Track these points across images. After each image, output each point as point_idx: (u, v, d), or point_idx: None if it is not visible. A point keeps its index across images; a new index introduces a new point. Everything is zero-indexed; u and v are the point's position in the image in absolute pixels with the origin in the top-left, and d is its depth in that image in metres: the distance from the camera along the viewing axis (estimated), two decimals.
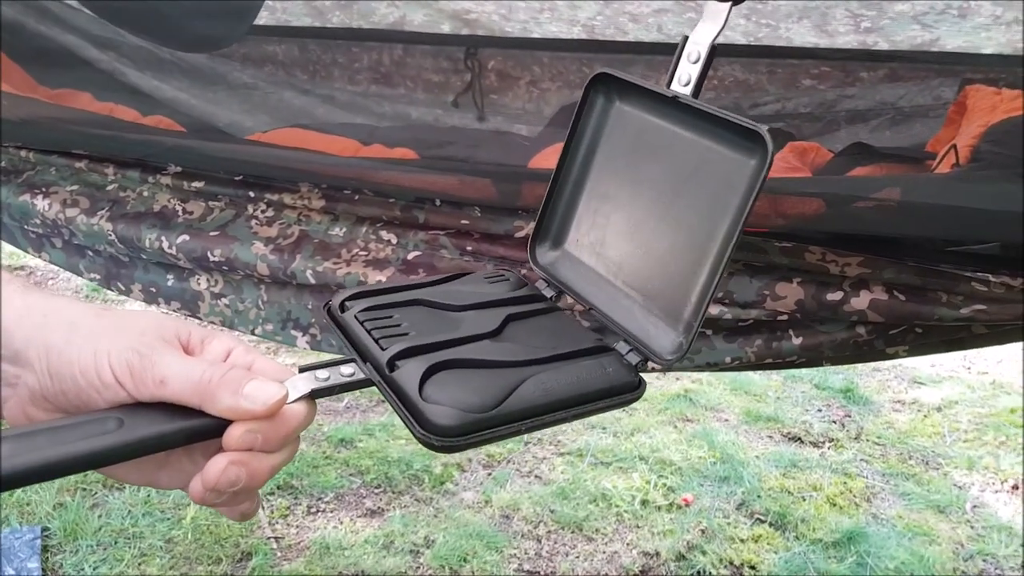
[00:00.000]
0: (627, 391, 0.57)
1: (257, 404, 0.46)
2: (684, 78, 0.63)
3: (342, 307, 0.61)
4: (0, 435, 0.42)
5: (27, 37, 1.52)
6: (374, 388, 0.54)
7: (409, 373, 0.52)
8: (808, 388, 3.27)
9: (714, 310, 0.98)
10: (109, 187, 1.22)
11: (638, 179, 0.66)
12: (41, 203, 1.20)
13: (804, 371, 3.34)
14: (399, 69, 1.87)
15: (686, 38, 0.63)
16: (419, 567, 2.21)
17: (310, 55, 1.91)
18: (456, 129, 1.78)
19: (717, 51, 0.62)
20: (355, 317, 0.59)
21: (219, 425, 0.46)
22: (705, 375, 3.24)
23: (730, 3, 0.62)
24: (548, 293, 0.68)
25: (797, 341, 0.99)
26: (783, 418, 3.03)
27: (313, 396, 0.50)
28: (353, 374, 0.53)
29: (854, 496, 2.60)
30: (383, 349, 0.55)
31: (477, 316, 0.61)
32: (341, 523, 2.36)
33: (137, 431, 0.44)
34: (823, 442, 2.91)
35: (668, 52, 0.63)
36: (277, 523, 2.35)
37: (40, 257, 1.29)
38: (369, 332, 0.57)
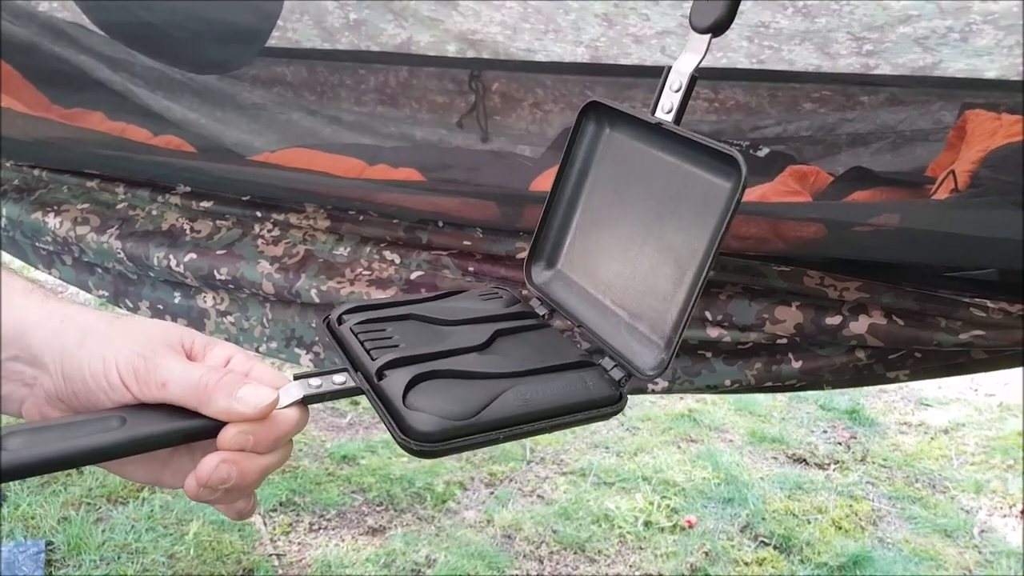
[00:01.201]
0: (607, 404, 0.59)
1: (249, 407, 0.49)
2: (667, 106, 0.65)
3: (339, 320, 0.64)
4: (13, 430, 0.45)
5: (42, 57, 1.55)
6: (368, 401, 0.56)
7: (395, 382, 0.55)
8: (813, 409, 3.26)
9: (713, 332, 0.98)
10: (119, 205, 1.24)
11: (626, 202, 0.69)
12: (52, 221, 1.22)
13: (809, 392, 3.33)
14: (404, 91, 1.89)
15: (669, 68, 0.66)
16: None
17: (318, 76, 1.94)
18: (460, 150, 1.80)
19: (698, 80, 0.65)
20: (350, 329, 0.62)
21: (215, 426, 0.49)
22: (709, 395, 3.24)
23: (710, 35, 0.64)
24: (541, 311, 0.70)
25: (797, 365, 0.99)
26: (788, 439, 3.02)
27: (305, 402, 0.52)
28: (344, 382, 0.55)
29: (860, 519, 2.58)
30: (373, 359, 0.57)
31: (466, 331, 0.64)
32: (343, 541, 2.36)
33: (138, 429, 0.48)
34: (828, 464, 2.90)
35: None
36: (279, 540, 2.35)
37: (50, 274, 1.31)
38: (362, 343, 0.60)
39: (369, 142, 1.79)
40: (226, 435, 0.49)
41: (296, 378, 0.53)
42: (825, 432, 3.11)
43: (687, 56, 0.66)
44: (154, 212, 1.22)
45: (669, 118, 0.65)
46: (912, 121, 1.47)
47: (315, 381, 0.54)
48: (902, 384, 3.38)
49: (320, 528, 2.42)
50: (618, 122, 0.70)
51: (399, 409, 0.53)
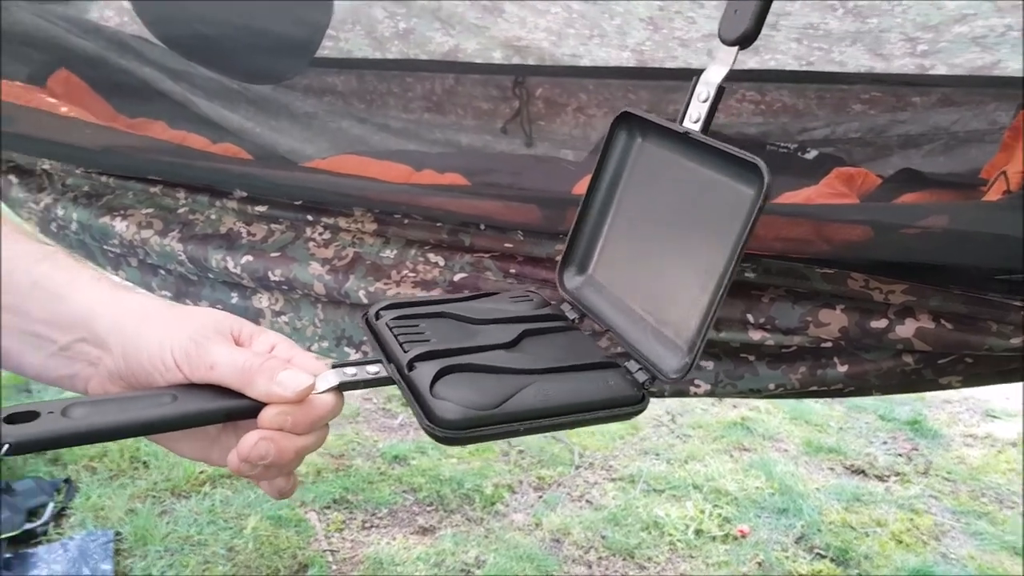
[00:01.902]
0: (628, 404, 0.61)
1: (288, 390, 0.52)
2: (695, 115, 0.67)
3: (377, 315, 0.67)
4: (78, 401, 0.51)
5: (108, 70, 1.63)
6: (399, 390, 0.60)
7: (424, 373, 0.58)
8: (873, 419, 3.17)
9: (756, 335, 0.98)
10: (180, 210, 1.29)
11: (655, 209, 0.70)
12: (119, 225, 1.28)
13: (869, 401, 3.24)
14: (450, 98, 1.93)
15: (697, 78, 0.67)
16: None
17: (367, 85, 1.99)
18: (504, 155, 1.82)
19: (724, 91, 0.66)
20: (386, 324, 0.65)
21: (257, 407, 0.53)
22: (763, 403, 3.18)
23: (737, 47, 0.65)
24: (571, 315, 0.72)
25: (842, 369, 0.98)
26: (846, 450, 2.94)
27: (341, 388, 0.56)
28: (378, 372, 0.59)
29: (921, 533, 2.50)
30: (405, 352, 0.61)
31: (495, 329, 0.66)
32: (394, 539, 2.40)
33: (187, 406, 0.52)
34: (888, 476, 2.81)
35: None
36: (333, 536, 2.40)
37: (117, 275, 1.38)
38: (395, 337, 0.63)
39: (416, 148, 1.83)
40: (266, 415, 0.53)
41: (334, 367, 0.57)
42: (885, 443, 3.02)
43: (715, 67, 0.68)
44: (213, 216, 1.27)
45: (697, 127, 0.67)
46: (966, 122, 1.43)
47: (351, 370, 0.57)
48: (967, 394, 3.27)
49: (372, 526, 2.46)
50: (649, 132, 0.72)
51: (426, 398, 0.56)
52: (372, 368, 0.59)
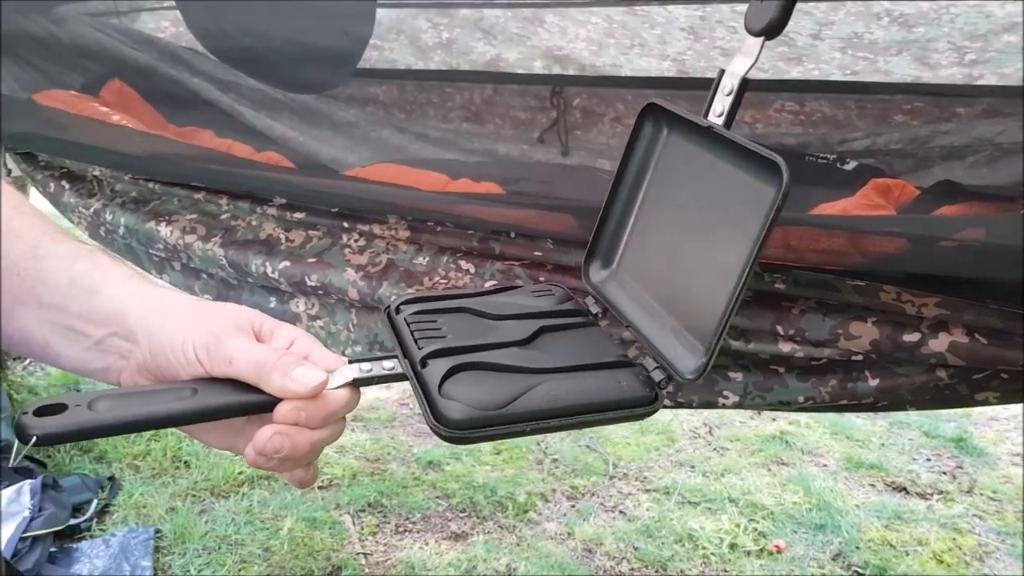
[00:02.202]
0: (639, 405, 0.60)
1: (301, 386, 0.54)
2: (718, 109, 0.66)
3: (398, 309, 0.68)
4: (102, 395, 0.53)
5: (159, 80, 1.69)
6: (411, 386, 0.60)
7: (435, 370, 0.59)
8: (916, 435, 3.09)
9: (786, 347, 0.97)
10: (223, 216, 1.33)
11: (679, 204, 0.70)
12: (164, 230, 1.32)
13: (913, 417, 3.16)
14: (488, 107, 1.95)
15: (723, 71, 0.66)
16: None
17: (407, 95, 2.02)
18: (539, 164, 1.84)
19: (749, 84, 0.65)
20: (404, 319, 0.66)
21: (273, 401, 0.54)
22: (803, 417, 3.12)
23: (763, 37, 0.64)
24: (595, 309, 0.72)
25: (874, 383, 0.97)
26: (887, 466, 2.88)
27: (356, 384, 0.57)
28: (393, 368, 0.60)
29: (964, 554, 2.44)
30: (419, 348, 0.61)
31: (513, 325, 0.66)
32: (427, 544, 2.41)
33: (207, 399, 0.54)
34: (931, 494, 2.74)
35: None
36: (367, 539, 2.42)
37: (162, 279, 1.42)
38: (412, 332, 0.64)
39: (454, 157, 1.85)
40: (281, 409, 0.54)
41: (350, 362, 0.58)
42: (928, 460, 2.95)
43: (740, 59, 0.66)
44: (254, 222, 1.31)
45: (720, 121, 0.66)
46: (1011, 133, 1.40)
47: (366, 366, 0.58)
48: (1015, 411, 3.17)
49: (406, 530, 2.48)
50: (675, 125, 0.72)
51: (435, 396, 0.57)
52: (387, 364, 0.60)
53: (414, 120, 2.06)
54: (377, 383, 0.59)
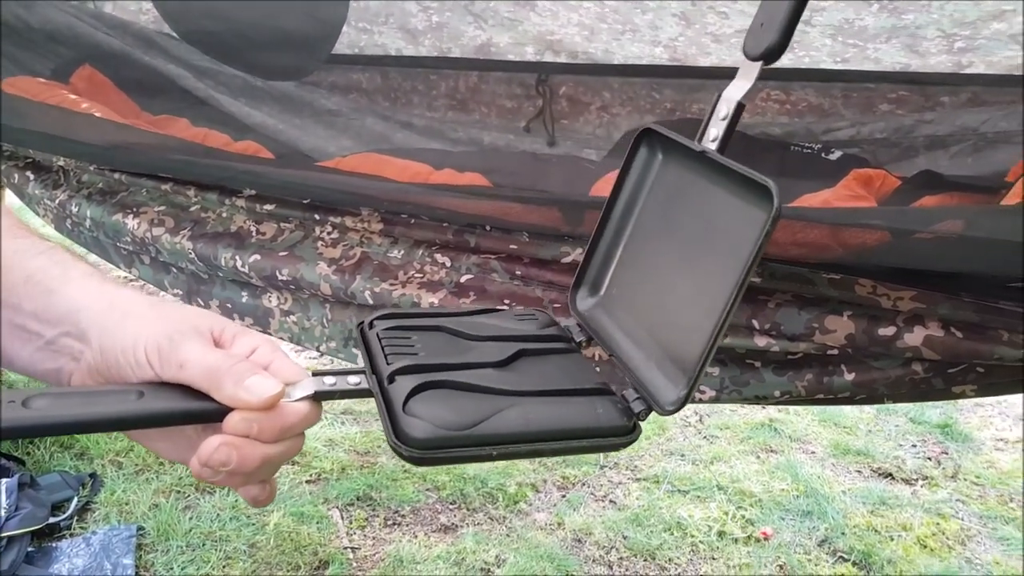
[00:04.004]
0: (617, 435, 0.57)
1: (254, 396, 0.51)
2: (712, 134, 0.65)
3: (371, 324, 0.65)
4: (40, 392, 0.49)
5: (133, 66, 1.65)
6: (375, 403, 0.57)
7: (401, 387, 0.56)
8: (903, 422, 3.10)
9: (761, 342, 0.96)
10: (192, 208, 1.31)
11: (670, 231, 0.68)
12: (131, 222, 1.30)
13: (899, 404, 3.17)
14: (474, 96, 1.92)
15: (719, 95, 0.65)
16: None
17: (391, 82, 1.99)
18: (524, 154, 1.81)
19: (743, 108, 0.64)
20: (377, 334, 0.63)
21: (224, 411, 0.51)
22: (791, 405, 3.13)
23: (761, 62, 0.63)
24: (579, 337, 0.69)
25: (849, 377, 0.95)
26: (874, 452, 2.88)
27: (317, 398, 0.54)
28: (358, 383, 0.57)
29: (947, 538, 2.44)
30: (388, 364, 0.59)
31: (490, 347, 0.63)
32: (416, 537, 2.40)
33: (153, 404, 0.51)
34: (916, 480, 2.75)
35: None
36: (355, 533, 2.41)
37: (130, 273, 1.40)
38: (383, 348, 0.61)
39: (439, 147, 1.83)
40: (231, 420, 0.51)
41: (314, 374, 0.55)
42: (914, 446, 2.95)
43: (737, 83, 0.65)
44: (224, 214, 1.28)
45: (714, 146, 0.65)
46: (995, 123, 1.38)
47: (330, 379, 0.55)
48: (1001, 398, 3.18)
49: (395, 524, 2.47)
50: (669, 149, 0.70)
51: (398, 413, 0.54)
52: (353, 379, 0.57)
53: (398, 108, 2.03)
54: (340, 398, 0.56)
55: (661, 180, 0.71)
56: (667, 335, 0.64)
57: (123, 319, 0.53)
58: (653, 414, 0.60)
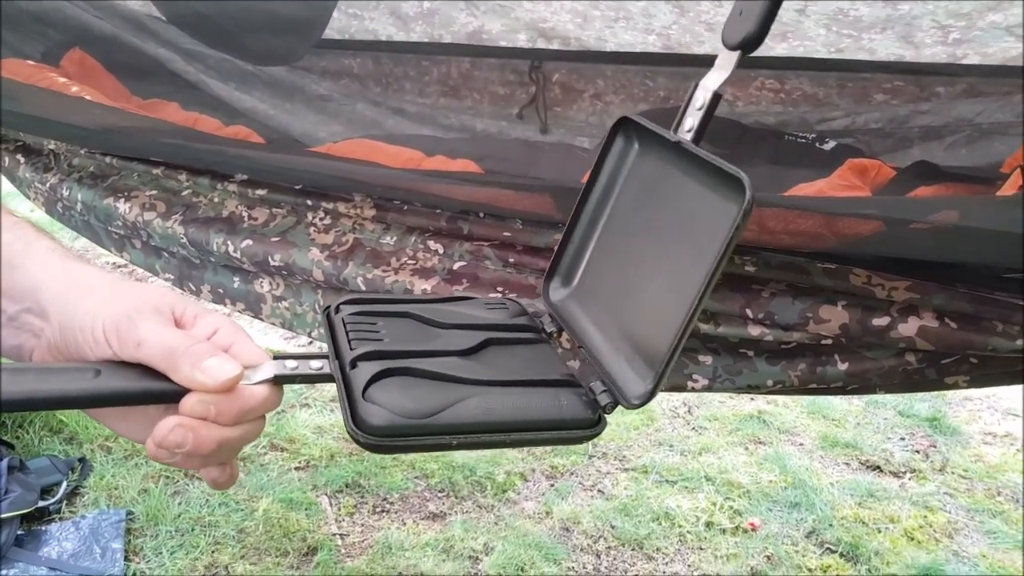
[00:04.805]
0: (581, 427, 0.57)
1: (210, 378, 0.50)
2: (688, 124, 0.64)
3: (337, 309, 0.64)
4: None
5: (123, 50, 1.63)
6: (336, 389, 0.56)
7: (363, 373, 0.55)
8: (892, 415, 3.12)
9: (755, 331, 0.95)
10: (184, 192, 1.29)
11: (644, 222, 0.67)
12: (123, 206, 1.28)
13: (888, 397, 3.19)
14: (466, 82, 1.91)
15: (697, 85, 0.64)
16: (477, 573, 2.23)
17: (383, 68, 1.97)
18: (516, 141, 1.80)
19: (720, 98, 0.63)
20: (343, 319, 0.62)
21: (182, 392, 0.50)
22: (780, 397, 3.14)
23: (739, 52, 0.62)
24: (550, 328, 0.69)
25: (843, 367, 0.95)
26: (862, 445, 2.90)
27: (277, 381, 0.53)
28: (320, 368, 0.56)
29: (934, 531, 2.46)
30: (351, 349, 0.58)
31: (457, 335, 0.63)
32: (404, 524, 2.40)
33: (109, 383, 0.50)
34: (904, 472, 2.77)
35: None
36: (343, 520, 2.41)
37: (122, 257, 1.38)
38: (347, 333, 0.60)
39: (430, 133, 1.81)
40: (187, 402, 0.50)
41: (275, 358, 0.54)
42: (903, 439, 2.97)
43: (714, 73, 0.65)
44: (215, 199, 1.27)
45: (689, 137, 0.64)
46: (990, 114, 1.38)
47: (292, 363, 0.54)
48: (989, 392, 3.20)
49: (383, 511, 2.47)
50: (645, 139, 0.69)
51: (357, 400, 0.53)
52: (315, 363, 0.56)
53: (390, 94, 2.02)
54: (301, 382, 0.55)
55: (636, 170, 0.70)
56: (637, 328, 0.63)
57: (82, 296, 0.53)
58: (619, 408, 0.59)
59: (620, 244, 0.69)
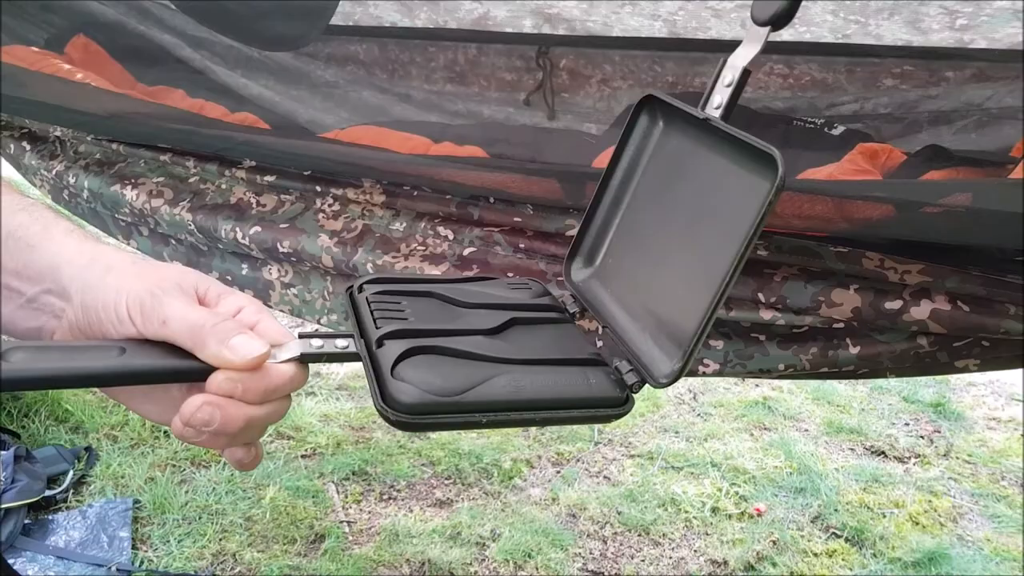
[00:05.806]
0: (609, 406, 0.56)
1: (238, 356, 0.49)
2: (716, 101, 0.63)
3: (360, 288, 0.64)
4: (17, 345, 0.48)
5: (128, 36, 1.62)
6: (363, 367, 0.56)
7: (390, 351, 0.55)
8: (896, 401, 3.12)
9: (767, 315, 0.96)
10: (191, 179, 1.29)
11: (669, 201, 0.67)
12: (130, 193, 1.28)
13: (893, 383, 3.19)
14: (473, 68, 1.89)
15: (724, 61, 0.63)
16: (484, 559, 2.24)
17: (389, 54, 1.96)
18: (523, 127, 1.79)
19: (749, 74, 0.62)
20: (366, 298, 0.62)
21: (208, 370, 0.50)
22: (786, 383, 3.14)
23: (769, 28, 0.62)
24: (572, 308, 0.68)
25: (855, 350, 0.95)
26: (867, 430, 2.91)
27: (303, 360, 0.53)
28: (346, 347, 0.56)
29: (939, 515, 2.47)
30: (377, 328, 0.57)
31: (482, 314, 0.63)
32: (411, 511, 2.41)
33: (134, 360, 0.49)
34: (909, 457, 2.78)
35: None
36: (350, 507, 2.42)
37: (128, 244, 1.38)
38: (372, 312, 0.60)
39: (437, 120, 1.81)
40: (214, 380, 0.50)
41: (301, 336, 0.54)
42: (907, 425, 2.98)
43: (743, 49, 0.64)
44: (223, 186, 1.27)
45: (718, 113, 0.63)
46: (1000, 98, 1.37)
47: (317, 342, 0.54)
48: (993, 377, 3.21)
49: (390, 498, 2.48)
50: (670, 117, 0.69)
51: (386, 378, 0.53)
52: (341, 342, 0.55)
53: (396, 81, 2.01)
54: (327, 361, 0.55)
55: (661, 149, 0.69)
56: (663, 307, 0.63)
57: (104, 275, 0.52)
58: (647, 387, 0.59)
59: (644, 223, 0.69)
